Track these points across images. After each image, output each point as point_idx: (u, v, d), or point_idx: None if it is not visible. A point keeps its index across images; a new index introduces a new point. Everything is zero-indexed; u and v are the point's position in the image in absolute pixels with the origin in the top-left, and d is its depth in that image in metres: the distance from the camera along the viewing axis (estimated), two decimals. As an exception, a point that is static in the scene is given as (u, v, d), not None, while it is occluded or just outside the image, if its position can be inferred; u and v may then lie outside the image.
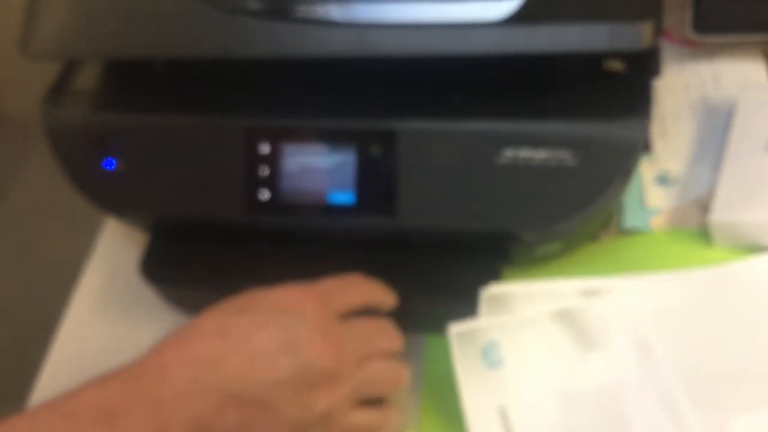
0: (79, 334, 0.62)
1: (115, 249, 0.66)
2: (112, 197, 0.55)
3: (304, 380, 0.43)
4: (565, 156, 0.50)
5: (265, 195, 0.53)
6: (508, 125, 0.50)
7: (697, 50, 0.67)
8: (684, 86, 0.66)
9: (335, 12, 0.49)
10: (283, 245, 0.55)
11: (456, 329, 0.50)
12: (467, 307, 0.51)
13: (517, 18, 0.47)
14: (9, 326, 1.40)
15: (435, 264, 0.54)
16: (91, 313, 0.63)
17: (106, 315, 0.62)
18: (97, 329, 0.62)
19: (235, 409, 0.42)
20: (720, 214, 0.55)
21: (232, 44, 0.50)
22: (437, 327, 0.52)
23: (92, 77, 0.58)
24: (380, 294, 0.51)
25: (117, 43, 0.52)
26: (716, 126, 0.62)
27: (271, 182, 0.53)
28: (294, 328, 0.44)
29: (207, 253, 0.57)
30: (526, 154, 0.50)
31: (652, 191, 0.59)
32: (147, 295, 0.61)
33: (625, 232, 0.58)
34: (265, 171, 0.53)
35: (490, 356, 0.50)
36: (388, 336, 0.49)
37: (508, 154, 0.50)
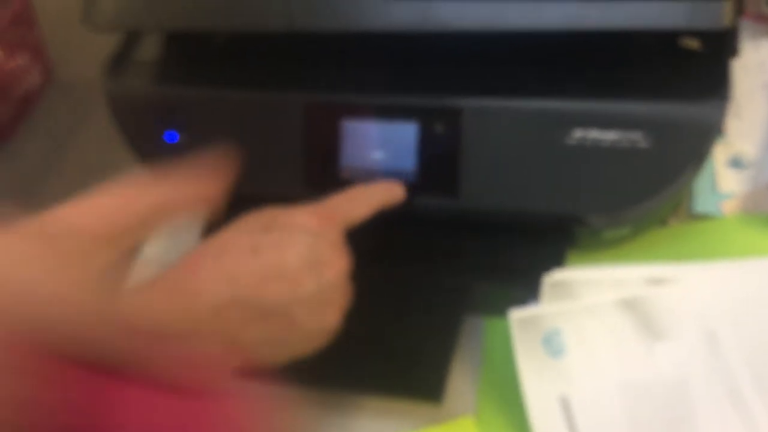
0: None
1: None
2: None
3: (323, 297, 0.45)
4: (637, 137, 0.48)
5: (324, 171, 0.52)
6: (577, 104, 0.48)
7: (775, 28, 0.64)
8: (759, 65, 0.63)
9: (401, -15, 0.48)
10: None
11: (517, 315, 0.49)
12: (529, 291, 0.50)
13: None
14: None
15: (497, 246, 0.52)
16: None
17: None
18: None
19: (261, 322, 0.43)
20: (797, 201, 0.52)
21: (296, 17, 0.49)
22: (498, 310, 0.51)
23: (152, 48, 0.57)
24: (386, 195, 0.50)
25: (180, 15, 0.51)
26: (793, 107, 0.59)
27: (332, 158, 0.52)
28: (316, 248, 0.45)
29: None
30: (596, 135, 0.48)
31: (725, 175, 0.57)
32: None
33: (695, 217, 0.56)
34: (324, 147, 0.52)
35: (551, 344, 0.49)
36: None
37: (578, 134, 0.48)
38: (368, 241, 0.52)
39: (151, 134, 0.54)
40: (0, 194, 1.70)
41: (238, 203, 0.56)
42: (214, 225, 0.57)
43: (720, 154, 0.58)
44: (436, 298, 0.51)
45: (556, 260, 0.51)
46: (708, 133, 0.47)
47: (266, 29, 0.50)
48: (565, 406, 0.48)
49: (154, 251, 0.64)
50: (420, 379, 0.46)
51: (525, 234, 0.52)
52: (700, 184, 0.56)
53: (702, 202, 0.56)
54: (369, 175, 0.52)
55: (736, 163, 0.58)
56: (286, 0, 0.49)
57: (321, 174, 0.52)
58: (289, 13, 0.49)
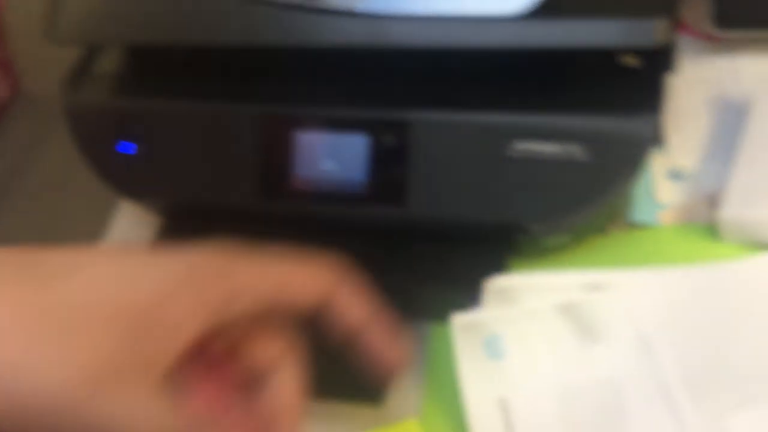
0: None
1: (129, 232, 0.67)
2: (129, 181, 0.57)
3: None
4: (574, 149, 0.50)
5: (277, 181, 0.54)
6: (519, 118, 0.51)
7: (717, 45, 0.67)
8: (702, 81, 0.66)
9: (354, 2, 0.50)
10: (293, 231, 0.56)
11: (459, 320, 0.51)
12: (471, 297, 0.52)
13: (534, 13, 0.47)
14: None
15: (440, 253, 0.55)
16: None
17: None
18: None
19: None
20: (730, 210, 0.55)
21: (252, 33, 0.51)
22: (441, 316, 0.53)
23: (113, 61, 0.59)
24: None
25: (139, 30, 0.53)
26: (732, 122, 0.62)
27: (284, 169, 0.54)
28: None
29: (218, 238, 0.58)
30: (536, 146, 0.50)
31: (663, 186, 0.59)
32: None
33: (633, 226, 0.58)
34: (277, 158, 0.54)
35: (492, 348, 0.51)
36: None
37: (519, 146, 0.51)
38: (313, 248, 0.54)
39: (107, 146, 0.56)
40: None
41: (196, 214, 0.58)
42: (165, 236, 0.59)
43: (659, 166, 0.60)
44: (378, 304, 0.53)
45: (497, 267, 0.53)
46: (640, 145, 0.50)
47: (223, 44, 0.52)
48: (504, 407, 0.50)
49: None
50: (361, 381, 0.48)
51: (467, 242, 0.54)
52: (639, 195, 0.59)
53: (640, 212, 0.58)
54: (321, 185, 0.54)
55: (675, 175, 0.60)
56: (242, 16, 0.51)
57: (275, 184, 0.54)
58: (246, 28, 0.51)
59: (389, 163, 0.53)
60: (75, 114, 0.56)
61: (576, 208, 0.51)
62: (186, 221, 0.59)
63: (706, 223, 0.57)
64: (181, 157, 0.55)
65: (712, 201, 0.57)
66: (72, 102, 0.57)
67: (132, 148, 0.56)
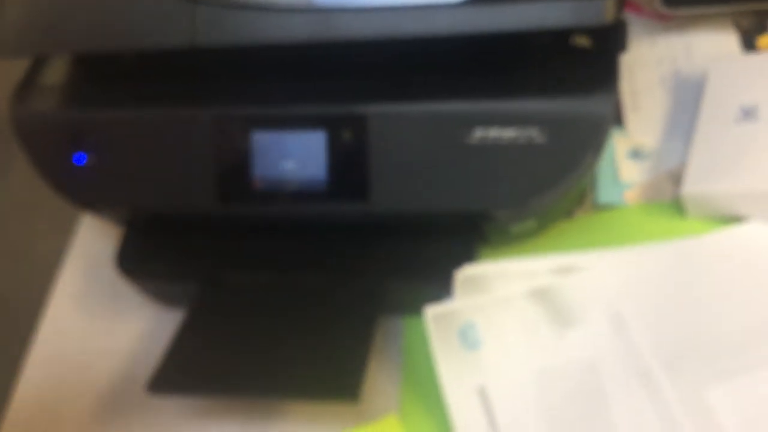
0: (59, 330, 0.62)
1: (93, 244, 0.66)
2: (84, 192, 0.55)
3: None
4: (534, 133, 0.50)
5: (236, 184, 0.53)
6: (476, 105, 0.50)
7: (668, 23, 0.67)
8: (656, 60, 0.66)
9: (298, -2, 0.49)
10: (257, 233, 0.55)
11: (432, 312, 0.50)
12: (443, 288, 0.51)
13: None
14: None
15: (409, 246, 0.54)
16: (70, 309, 0.63)
17: (85, 310, 0.62)
18: (77, 325, 0.62)
19: None
20: (692, 186, 0.55)
21: (197, 34, 0.50)
22: (414, 309, 0.52)
23: (60, 72, 0.58)
24: None
25: (81, 37, 0.51)
26: (688, 98, 0.62)
27: (242, 171, 0.53)
28: None
29: (182, 245, 0.57)
30: (495, 133, 0.50)
31: (625, 165, 0.59)
32: (126, 289, 0.61)
33: (599, 208, 0.58)
34: (235, 160, 0.53)
35: (467, 337, 0.50)
36: None
37: (478, 133, 0.50)
38: (280, 249, 0.53)
39: (59, 158, 0.54)
40: None
41: (155, 222, 0.56)
42: (127, 246, 0.58)
43: (620, 146, 0.60)
44: (350, 301, 0.52)
45: (467, 256, 0.53)
46: (599, 125, 0.49)
47: (168, 47, 0.50)
48: (483, 396, 0.49)
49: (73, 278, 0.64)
50: (336, 379, 0.47)
51: (435, 233, 0.53)
52: (603, 176, 0.59)
53: (605, 193, 0.58)
54: (281, 185, 0.53)
55: (635, 154, 0.60)
56: (186, 17, 0.50)
57: (232, 187, 0.53)
58: (191, 29, 0.50)
59: (349, 158, 0.52)
60: (24, 127, 0.55)
61: (540, 191, 0.50)
62: (147, 230, 0.57)
63: (671, 200, 0.57)
64: (136, 164, 0.54)
65: (675, 178, 0.58)
66: (20, 115, 0.55)
67: (84, 159, 0.54)
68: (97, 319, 0.61)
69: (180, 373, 0.50)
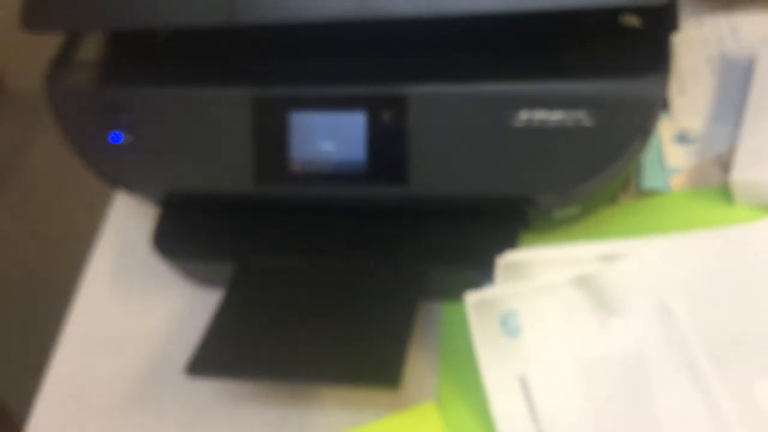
0: (92, 310, 0.61)
1: (126, 223, 0.65)
2: (119, 171, 0.54)
3: None
4: (581, 116, 0.48)
5: (273, 165, 0.52)
6: (521, 86, 0.49)
7: (715, 3, 0.65)
8: (702, 41, 0.64)
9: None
10: (294, 215, 0.54)
11: (473, 298, 0.49)
12: (484, 274, 0.50)
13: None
14: (24, 302, 1.41)
15: (450, 231, 0.53)
16: (103, 289, 0.62)
17: (119, 290, 0.62)
18: (111, 304, 0.61)
19: None
20: (741, 172, 0.53)
21: (235, 11, 0.49)
22: (454, 295, 0.51)
23: (95, 49, 0.57)
24: None
25: (117, 13, 0.51)
26: (735, 81, 0.60)
27: (279, 152, 0.52)
28: None
29: (218, 225, 0.56)
30: (541, 115, 0.48)
31: (671, 150, 0.58)
32: (160, 268, 0.61)
33: (644, 193, 0.57)
34: (272, 140, 0.52)
35: (508, 324, 0.49)
36: None
37: (523, 115, 0.49)
38: (318, 231, 0.52)
39: (95, 136, 0.54)
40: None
41: (191, 202, 0.56)
42: (163, 226, 0.57)
43: (666, 130, 0.59)
44: (390, 286, 0.51)
45: (509, 242, 0.52)
46: (650, 108, 0.48)
47: (205, 24, 0.49)
48: (524, 385, 0.48)
49: (107, 256, 0.64)
50: (377, 365, 0.46)
51: (477, 218, 0.52)
52: (648, 161, 0.57)
53: (650, 178, 0.57)
54: (319, 167, 0.51)
55: (682, 138, 0.58)
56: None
57: (270, 168, 0.52)
58: (228, 6, 0.49)
59: (389, 140, 0.50)
60: (59, 105, 0.54)
61: (586, 176, 0.49)
62: (184, 210, 0.56)
63: (718, 185, 0.55)
64: (172, 143, 0.53)
65: (723, 163, 0.56)
66: (56, 92, 0.54)
67: (120, 137, 0.53)
68: (131, 298, 0.61)
69: (218, 355, 0.49)
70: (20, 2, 0.52)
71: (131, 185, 0.55)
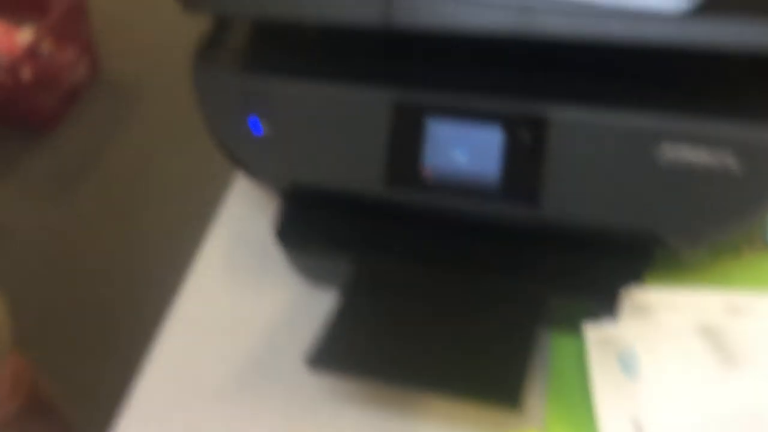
0: (200, 296, 0.62)
1: (241, 213, 0.66)
2: (253, 157, 0.55)
3: None
4: (727, 158, 0.47)
5: (405, 170, 0.52)
6: (667, 119, 0.48)
7: None
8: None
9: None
10: (420, 222, 0.54)
11: (594, 334, 0.48)
12: (605, 307, 0.49)
13: (698, 10, 0.45)
14: (131, 284, 1.42)
15: (576, 258, 0.52)
16: (214, 277, 0.62)
17: (229, 279, 0.62)
18: (220, 293, 0.61)
19: None
20: None
21: (392, 14, 0.49)
22: (570, 323, 0.50)
23: (243, 36, 0.58)
24: None
25: (274, 3, 0.51)
26: None
27: (413, 157, 0.52)
28: None
29: (342, 223, 0.56)
30: (684, 152, 0.47)
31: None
32: (272, 262, 0.61)
33: (771, 248, 0.55)
34: (407, 145, 0.52)
35: (627, 364, 0.48)
36: None
37: (666, 150, 0.48)
38: (442, 241, 0.51)
39: (234, 120, 0.54)
40: (40, 183, 1.71)
41: (316, 196, 0.56)
42: (287, 219, 0.57)
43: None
44: (510, 305, 0.50)
45: (634, 277, 0.50)
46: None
47: (362, 24, 0.50)
48: (637, 427, 0.47)
49: (224, 235, 0.64)
50: (498, 384, 0.46)
51: (604, 248, 0.51)
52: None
53: (781, 234, 0.55)
54: (451, 176, 0.51)
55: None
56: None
57: (402, 173, 0.52)
58: (386, 9, 0.49)
59: (525, 159, 0.50)
60: (203, 85, 0.55)
61: (724, 224, 0.48)
62: (308, 204, 0.57)
63: None
64: (309, 137, 0.54)
65: None
66: (201, 74, 0.55)
67: (258, 124, 0.54)
68: (240, 288, 0.61)
69: (339, 352, 0.49)
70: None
71: (262, 173, 0.56)
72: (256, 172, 0.55)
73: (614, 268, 0.51)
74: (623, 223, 0.49)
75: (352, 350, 0.49)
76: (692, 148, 0.47)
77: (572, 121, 0.49)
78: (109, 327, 1.37)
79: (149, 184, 1.59)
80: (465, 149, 0.51)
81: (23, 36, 1.63)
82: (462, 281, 0.52)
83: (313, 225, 0.56)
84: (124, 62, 1.94)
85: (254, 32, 0.57)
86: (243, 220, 0.65)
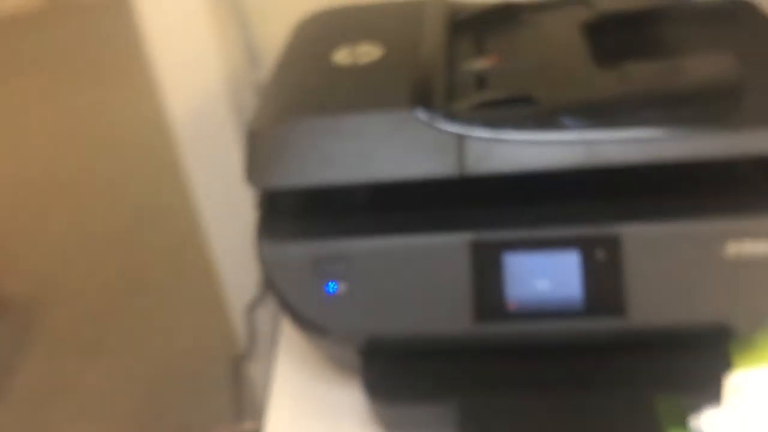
0: None
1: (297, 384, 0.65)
2: (329, 320, 0.56)
3: None
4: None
5: (491, 305, 0.54)
6: (729, 220, 0.53)
7: None
8: None
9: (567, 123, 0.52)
10: (508, 353, 0.56)
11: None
12: (712, 397, 0.53)
13: (748, 120, 0.51)
14: None
15: (666, 358, 0.55)
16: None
17: None
18: None
19: None
20: None
21: (465, 165, 0.52)
22: (677, 421, 0.53)
23: (292, 206, 0.59)
24: None
25: (344, 171, 0.53)
26: None
27: (497, 292, 0.54)
28: None
29: (431, 369, 0.57)
30: (749, 247, 0.53)
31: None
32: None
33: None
34: (490, 282, 0.54)
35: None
36: None
37: (731, 248, 0.53)
38: (538, 368, 0.54)
39: (309, 287, 0.55)
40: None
41: (404, 345, 0.57)
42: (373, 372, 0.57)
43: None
44: (625, 415, 0.53)
45: (726, 365, 0.55)
46: None
47: (438, 177, 0.53)
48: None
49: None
50: None
51: (689, 343, 0.55)
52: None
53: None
54: (535, 305, 0.54)
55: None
56: (454, 149, 0.52)
57: (488, 308, 0.54)
58: (460, 161, 0.52)
59: (604, 276, 0.54)
60: (271, 260, 0.56)
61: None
62: (387, 358, 0.58)
63: None
64: (387, 289, 0.55)
65: None
66: (269, 251, 0.56)
67: (335, 287, 0.55)
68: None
69: None
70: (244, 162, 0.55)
71: (339, 332, 0.56)
72: (332, 332, 0.56)
73: (708, 359, 0.55)
74: (702, 319, 0.54)
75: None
76: (753, 242, 0.53)
77: (642, 236, 0.54)
78: None
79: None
80: (545, 277, 0.54)
81: None
82: (563, 403, 0.54)
83: (402, 376, 0.57)
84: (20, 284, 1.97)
85: (305, 199, 0.59)
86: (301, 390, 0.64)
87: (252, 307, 1.25)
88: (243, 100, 0.98)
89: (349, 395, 0.63)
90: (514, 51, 0.65)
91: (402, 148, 0.53)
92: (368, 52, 0.63)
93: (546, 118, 0.53)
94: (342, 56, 0.63)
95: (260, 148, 0.55)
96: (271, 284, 0.56)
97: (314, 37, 0.70)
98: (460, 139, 0.53)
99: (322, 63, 0.63)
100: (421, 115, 0.53)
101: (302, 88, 0.60)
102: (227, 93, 0.96)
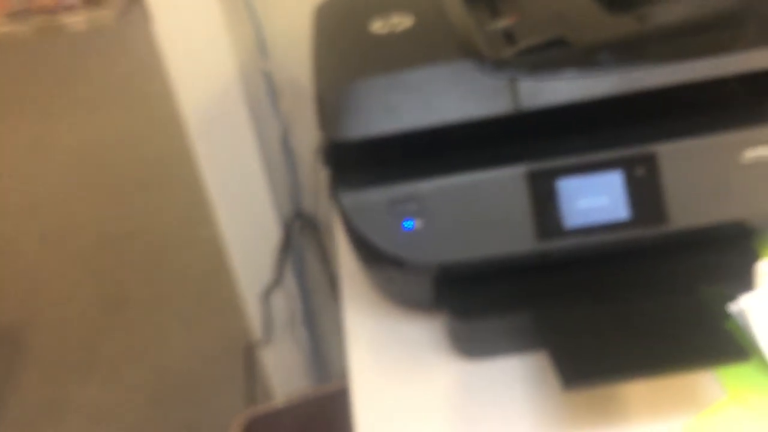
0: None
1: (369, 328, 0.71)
2: (407, 253, 0.63)
3: None
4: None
5: (549, 224, 0.62)
6: (746, 131, 0.62)
7: None
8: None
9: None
10: (567, 270, 0.64)
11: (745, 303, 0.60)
12: (746, 285, 0.62)
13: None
14: None
15: (705, 257, 0.64)
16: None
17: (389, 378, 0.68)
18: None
19: None
20: None
21: (519, 100, 0.60)
22: (720, 307, 0.62)
23: (354, 158, 0.66)
24: None
25: (415, 117, 0.60)
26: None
27: (553, 212, 0.62)
28: None
29: (503, 290, 0.64)
30: (761, 151, 0.62)
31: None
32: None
33: None
34: (546, 204, 0.62)
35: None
36: None
37: (750, 154, 0.62)
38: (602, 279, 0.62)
39: (388, 230, 0.62)
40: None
41: (476, 269, 0.64)
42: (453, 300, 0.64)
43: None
44: (678, 310, 0.61)
45: (755, 256, 0.63)
46: None
47: (494, 113, 0.60)
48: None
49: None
50: (717, 347, 0.55)
51: (720, 242, 0.64)
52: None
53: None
54: (588, 221, 0.62)
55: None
56: (510, 90, 0.60)
57: (547, 227, 0.62)
58: (514, 97, 0.60)
59: (645, 190, 0.62)
60: (355, 211, 0.63)
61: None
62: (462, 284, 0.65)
63: None
64: (457, 221, 0.62)
65: None
66: (352, 202, 0.62)
67: (412, 224, 0.62)
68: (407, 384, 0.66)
69: (584, 365, 0.56)
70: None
71: (415, 262, 0.63)
72: (413, 264, 0.63)
73: (739, 253, 0.64)
74: (730, 218, 0.62)
75: (589, 361, 0.57)
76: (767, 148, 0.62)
77: (676, 152, 0.62)
78: None
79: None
80: (595, 195, 0.62)
81: None
82: (627, 303, 0.62)
83: (480, 297, 0.64)
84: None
85: (373, 150, 0.65)
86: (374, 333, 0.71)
87: (266, 294, 1.30)
88: (254, 87, 1.04)
89: (420, 329, 0.69)
90: (529, 10, 0.73)
91: (461, 94, 0.60)
92: (401, 21, 0.70)
93: (582, 56, 0.61)
94: (378, 27, 0.70)
95: (336, 107, 0.61)
96: (351, 232, 0.63)
97: (342, 16, 0.76)
98: (512, 81, 0.60)
99: (362, 34, 0.69)
100: (475, 64, 0.60)
101: (354, 54, 0.67)
102: (239, 80, 1.01)
